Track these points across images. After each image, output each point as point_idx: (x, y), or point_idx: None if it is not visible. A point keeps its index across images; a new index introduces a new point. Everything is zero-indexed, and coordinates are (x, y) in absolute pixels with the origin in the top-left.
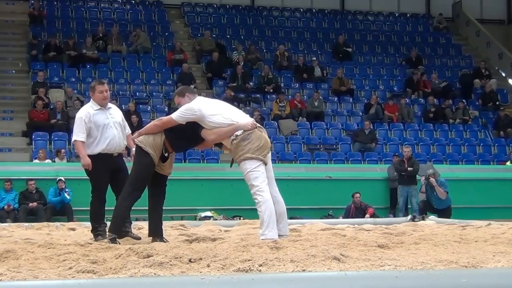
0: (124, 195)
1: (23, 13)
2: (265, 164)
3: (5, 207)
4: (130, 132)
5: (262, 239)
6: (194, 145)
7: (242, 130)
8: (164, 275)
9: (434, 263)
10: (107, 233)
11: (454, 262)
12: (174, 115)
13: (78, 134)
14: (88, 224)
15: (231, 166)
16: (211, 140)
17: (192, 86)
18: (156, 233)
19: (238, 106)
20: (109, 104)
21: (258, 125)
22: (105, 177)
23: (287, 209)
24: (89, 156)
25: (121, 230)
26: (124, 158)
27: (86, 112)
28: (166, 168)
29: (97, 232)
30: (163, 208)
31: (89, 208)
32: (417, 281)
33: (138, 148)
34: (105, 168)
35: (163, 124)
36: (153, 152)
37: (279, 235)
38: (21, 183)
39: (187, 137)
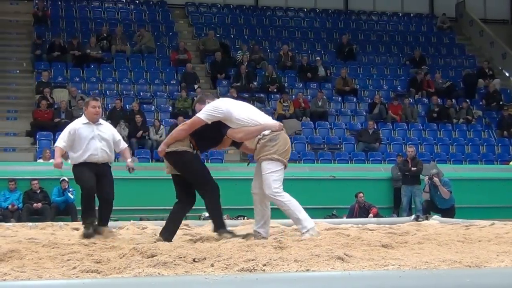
0: (207, 195)
1: (27, 13)
2: (285, 168)
3: (9, 206)
4: (127, 146)
5: (304, 232)
6: (215, 145)
7: (270, 131)
8: (168, 275)
9: (437, 263)
10: (222, 231)
11: (458, 262)
12: (202, 115)
13: (59, 141)
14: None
15: (248, 165)
16: (238, 138)
17: (196, 86)
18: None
19: None
20: (101, 121)
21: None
22: (90, 176)
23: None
24: (76, 164)
25: (223, 224)
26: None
27: (73, 126)
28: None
29: (85, 224)
30: (169, 208)
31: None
32: (421, 281)
33: (173, 153)
34: (88, 170)
35: (190, 126)
36: (187, 148)
37: (263, 237)
38: (25, 183)
39: (209, 138)
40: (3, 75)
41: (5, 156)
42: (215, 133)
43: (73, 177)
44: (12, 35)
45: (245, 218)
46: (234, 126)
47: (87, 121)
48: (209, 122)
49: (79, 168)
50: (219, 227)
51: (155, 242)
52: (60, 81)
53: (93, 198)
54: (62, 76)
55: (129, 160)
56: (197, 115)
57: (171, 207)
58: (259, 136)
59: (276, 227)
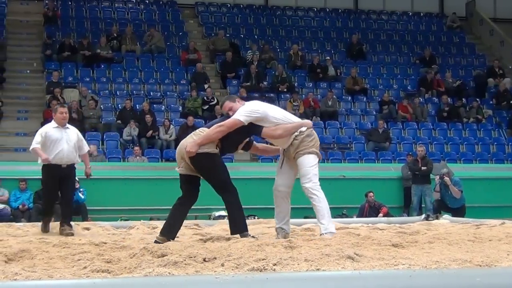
0: (229, 199)
1: (38, 13)
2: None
3: (20, 206)
4: (88, 149)
5: (324, 233)
6: (236, 147)
7: (306, 127)
8: (178, 275)
9: (448, 262)
10: (245, 235)
11: (468, 261)
12: (241, 117)
13: (34, 143)
14: (103, 223)
15: (281, 167)
16: (277, 135)
17: (206, 86)
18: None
19: None
20: (68, 125)
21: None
22: (53, 184)
23: (301, 208)
24: (43, 165)
25: (246, 226)
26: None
27: (44, 129)
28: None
29: (44, 220)
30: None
31: (103, 208)
32: (431, 280)
33: (204, 155)
34: (53, 176)
35: (228, 127)
36: (214, 148)
37: (286, 233)
38: (36, 183)
39: (233, 140)
40: (14, 75)
41: (15, 156)
42: (239, 135)
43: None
44: (23, 35)
45: (255, 217)
46: (269, 125)
47: (56, 125)
48: (246, 124)
49: (46, 172)
50: (243, 229)
51: (155, 241)
52: (70, 81)
53: (54, 203)
54: (72, 76)
55: (89, 167)
56: (236, 116)
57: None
58: (296, 133)
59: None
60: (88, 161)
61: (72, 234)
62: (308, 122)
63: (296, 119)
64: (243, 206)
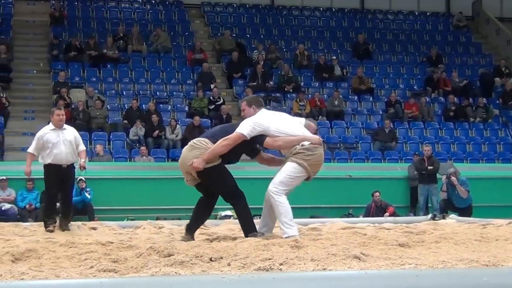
0: (238, 206)
1: (44, 13)
2: (308, 180)
3: (27, 206)
4: (84, 148)
5: (285, 237)
6: (239, 157)
7: (309, 142)
8: (185, 274)
9: (455, 262)
10: (253, 235)
11: (475, 261)
12: (244, 131)
13: (30, 148)
14: (110, 223)
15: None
16: (276, 146)
17: (212, 86)
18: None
19: None
20: (65, 126)
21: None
22: (54, 183)
23: (307, 208)
24: (44, 165)
25: (255, 227)
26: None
27: (42, 133)
28: None
29: (46, 224)
30: (185, 207)
31: (109, 208)
32: (438, 280)
33: (211, 169)
34: (54, 175)
35: (233, 141)
36: (218, 159)
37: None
38: (43, 183)
39: (237, 150)
40: (21, 75)
41: (22, 156)
42: (243, 145)
43: (93, 176)
44: (29, 36)
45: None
46: (272, 135)
47: (53, 127)
48: (249, 138)
49: (48, 172)
50: (253, 230)
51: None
52: (77, 81)
53: (55, 202)
54: (79, 76)
55: (83, 160)
56: (240, 131)
57: (188, 206)
58: (298, 146)
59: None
60: (84, 156)
61: (68, 230)
62: (313, 138)
63: (305, 133)
64: (250, 206)
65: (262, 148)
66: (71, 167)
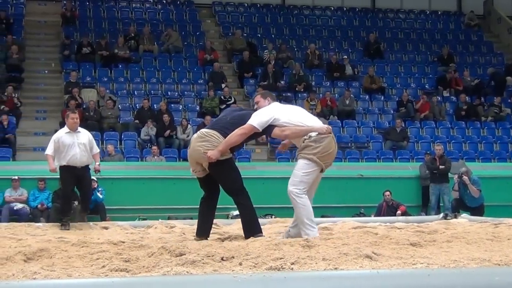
0: (242, 202)
1: (56, 13)
2: (322, 171)
3: (39, 206)
4: (98, 151)
5: (304, 237)
6: (242, 146)
7: (317, 133)
8: (196, 274)
9: (466, 261)
10: (257, 236)
11: (487, 260)
12: (255, 122)
13: (48, 149)
14: (121, 223)
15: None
16: (284, 135)
17: (223, 85)
18: (206, 232)
19: None
20: (79, 129)
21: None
22: (70, 182)
23: (318, 207)
24: (60, 166)
25: (260, 228)
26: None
27: (57, 135)
28: None
29: (62, 222)
30: (196, 207)
31: (121, 207)
32: (450, 279)
33: (223, 162)
34: (70, 175)
35: (247, 133)
36: (228, 152)
37: (289, 235)
38: (55, 183)
39: (245, 140)
40: (32, 76)
41: (34, 156)
42: (252, 135)
43: (104, 176)
44: (41, 36)
45: (273, 216)
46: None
47: (68, 130)
48: (261, 129)
49: (63, 172)
50: (257, 231)
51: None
52: (88, 81)
53: (71, 201)
54: (90, 76)
55: (97, 163)
56: (251, 122)
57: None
58: (305, 137)
59: None
60: (98, 159)
61: (85, 221)
62: (320, 128)
63: (313, 123)
64: (260, 206)
65: (271, 138)
66: (86, 168)
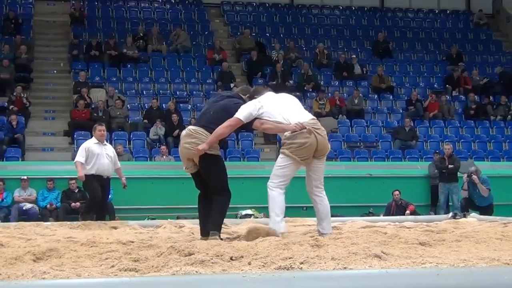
0: (224, 200)
1: (64, 13)
2: (305, 165)
3: (48, 206)
4: (120, 166)
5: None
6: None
7: (290, 132)
8: (205, 273)
9: (476, 261)
10: (213, 233)
11: (496, 260)
12: (242, 117)
13: (78, 157)
14: (132, 222)
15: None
16: (262, 128)
17: (232, 85)
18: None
19: None
20: (106, 143)
21: (312, 127)
22: (97, 189)
23: None
24: (87, 174)
25: (221, 229)
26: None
27: (87, 145)
28: None
29: (84, 217)
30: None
31: (130, 207)
32: (459, 279)
33: (211, 156)
34: (97, 184)
35: (234, 126)
36: (218, 151)
37: (321, 234)
38: (63, 182)
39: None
40: (41, 76)
41: (43, 156)
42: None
43: (113, 175)
44: (49, 36)
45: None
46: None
47: (96, 141)
48: (246, 122)
49: (91, 180)
50: (218, 230)
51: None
52: (97, 81)
53: (96, 205)
54: (99, 76)
55: (124, 178)
56: (238, 116)
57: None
58: (286, 133)
59: (313, 225)
60: (122, 174)
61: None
62: (290, 127)
63: (293, 119)
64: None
65: (252, 129)
66: (108, 179)
